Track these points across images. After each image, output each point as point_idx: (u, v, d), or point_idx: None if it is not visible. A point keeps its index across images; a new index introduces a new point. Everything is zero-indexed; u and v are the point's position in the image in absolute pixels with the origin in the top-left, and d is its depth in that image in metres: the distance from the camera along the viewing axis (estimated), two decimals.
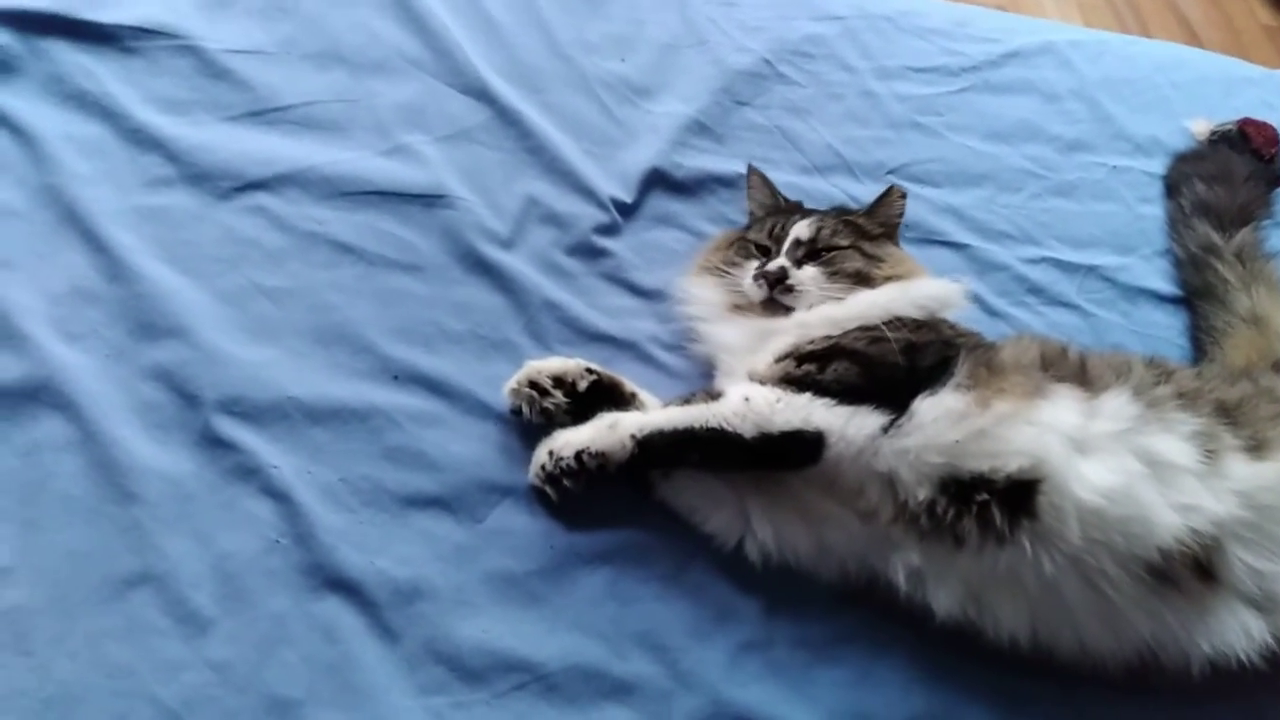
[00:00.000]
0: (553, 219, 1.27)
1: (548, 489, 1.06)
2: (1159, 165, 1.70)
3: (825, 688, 1.08)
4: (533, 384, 1.09)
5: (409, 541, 1.01)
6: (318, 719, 0.90)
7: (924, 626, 1.11)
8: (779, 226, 1.27)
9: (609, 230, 1.29)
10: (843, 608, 1.13)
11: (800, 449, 1.07)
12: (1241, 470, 1.13)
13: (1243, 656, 1.09)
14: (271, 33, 1.28)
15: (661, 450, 1.08)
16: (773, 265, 1.21)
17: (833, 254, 1.25)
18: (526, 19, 1.43)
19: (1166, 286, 1.57)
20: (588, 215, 1.29)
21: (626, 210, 1.32)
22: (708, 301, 1.24)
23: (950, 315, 1.23)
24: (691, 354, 1.24)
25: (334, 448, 1.04)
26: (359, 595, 0.97)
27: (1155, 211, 1.65)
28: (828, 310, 1.18)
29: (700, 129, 1.43)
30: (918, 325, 1.16)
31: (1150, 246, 1.62)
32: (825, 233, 1.27)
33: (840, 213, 1.33)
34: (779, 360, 1.14)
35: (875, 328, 1.16)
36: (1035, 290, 1.49)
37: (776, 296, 1.20)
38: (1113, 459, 1.08)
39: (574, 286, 1.23)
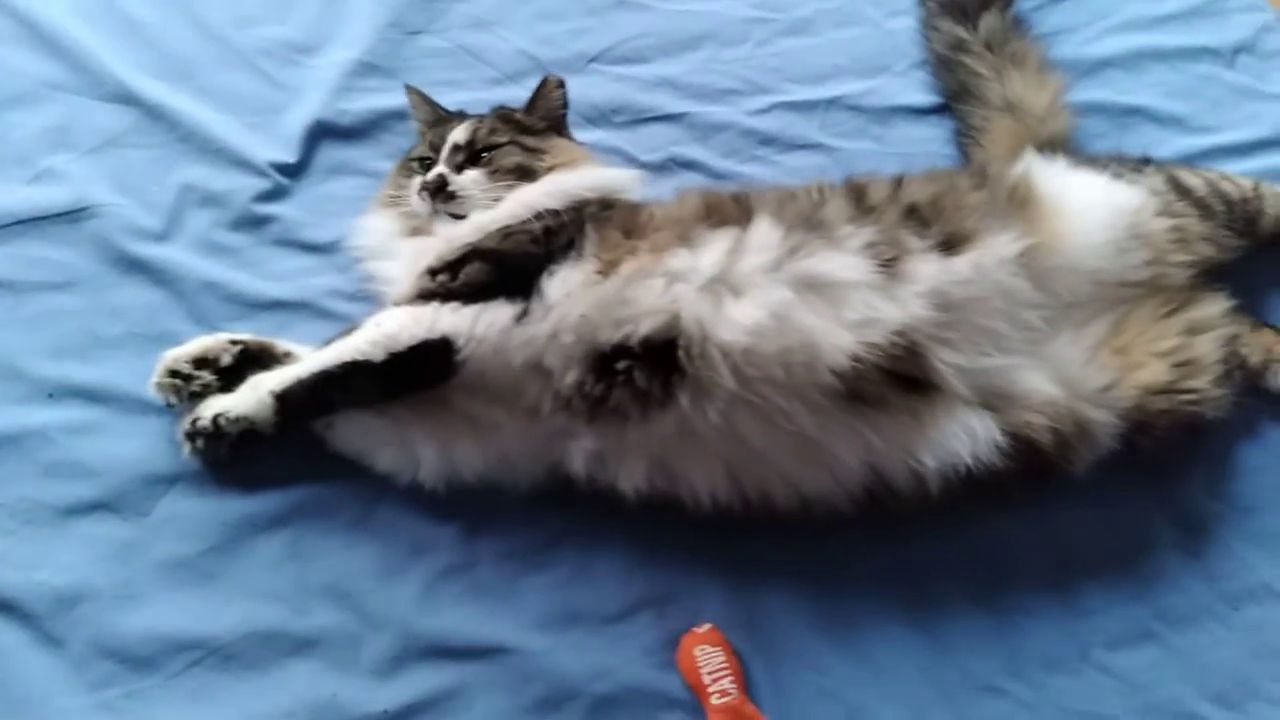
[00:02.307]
0: (211, 200, 1.29)
1: (185, 445, 1.09)
2: None
3: (533, 595, 1.08)
4: (173, 373, 1.11)
5: (71, 550, 1.05)
6: None
7: (646, 513, 1.09)
8: (439, 137, 1.27)
9: (272, 195, 1.31)
10: (551, 512, 1.12)
11: (431, 361, 1.07)
12: (929, 270, 1.09)
13: (969, 460, 1.05)
14: None
15: (305, 400, 1.08)
16: (431, 175, 1.20)
17: (492, 153, 1.24)
18: (173, 10, 1.45)
19: (924, 98, 1.51)
20: (246, 187, 1.30)
21: (293, 170, 1.33)
22: (380, 233, 1.24)
23: (626, 197, 1.21)
24: (372, 297, 1.23)
25: None
26: (17, 611, 1.01)
27: (909, 24, 1.58)
28: (476, 218, 1.17)
29: (368, 69, 1.43)
30: (557, 212, 1.14)
31: (905, 60, 1.55)
32: (482, 133, 1.26)
33: (500, 111, 1.31)
34: (419, 277, 1.13)
35: (516, 224, 1.14)
36: (768, 141, 1.45)
37: (439, 206, 1.19)
38: (761, 293, 1.06)
39: (239, 260, 1.25)
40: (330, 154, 1.35)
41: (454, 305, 1.07)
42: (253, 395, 1.08)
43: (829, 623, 1.09)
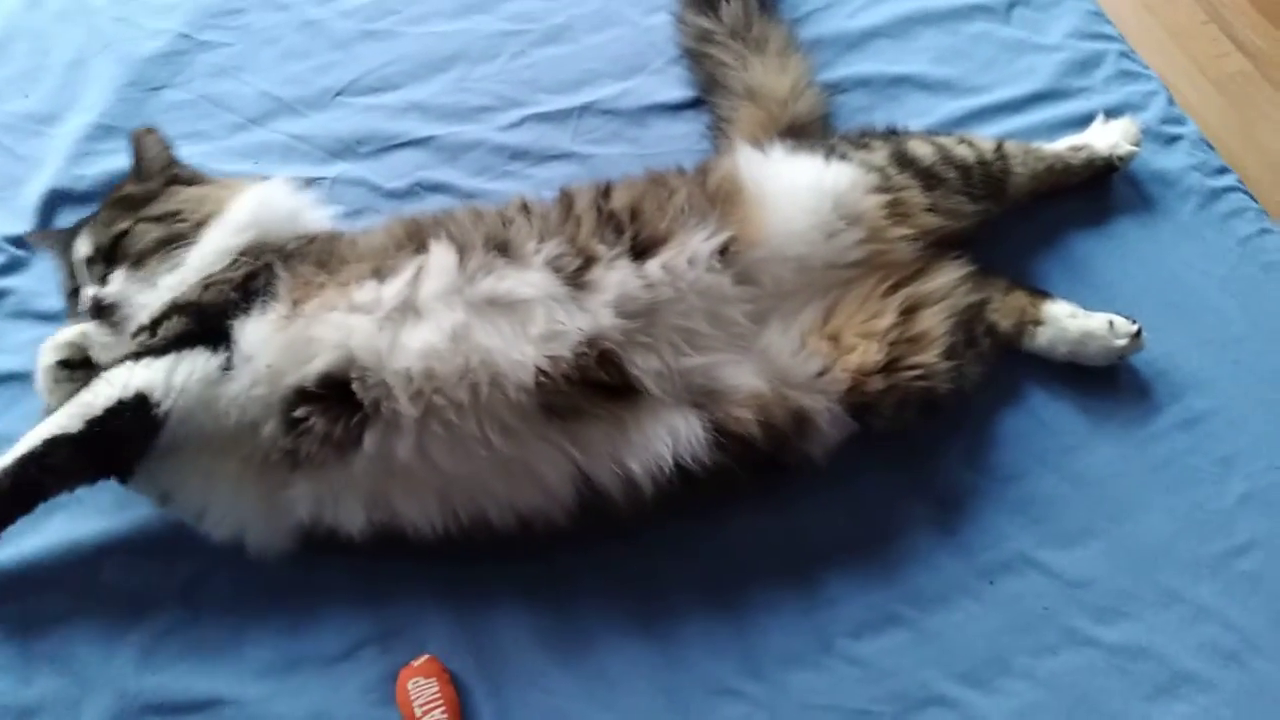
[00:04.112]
0: None
1: None
2: None
3: (255, 645, 1.13)
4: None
5: None
6: None
7: (371, 550, 1.13)
8: (70, 261, 1.26)
9: (7, 269, 1.38)
10: (276, 561, 1.15)
11: (130, 420, 1.07)
12: (616, 277, 1.13)
13: (671, 461, 1.09)
14: None
15: (12, 488, 1.07)
16: (84, 303, 1.19)
17: (121, 244, 1.22)
18: None
19: (679, 94, 1.58)
20: None
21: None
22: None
23: (310, 220, 1.25)
24: None
25: None
26: None
27: (667, 19, 1.63)
28: (167, 279, 1.18)
29: (106, 132, 1.50)
30: (259, 250, 1.18)
31: (662, 57, 1.62)
32: (101, 232, 1.24)
33: (113, 196, 1.29)
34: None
35: (216, 273, 1.17)
36: (519, 155, 1.51)
37: (115, 325, 1.18)
38: (436, 318, 1.10)
39: None
40: (67, 221, 1.40)
41: (147, 360, 1.09)
42: None
43: (556, 640, 1.13)
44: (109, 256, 1.21)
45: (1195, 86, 1.88)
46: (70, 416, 1.08)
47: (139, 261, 1.19)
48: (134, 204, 1.25)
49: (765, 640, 1.14)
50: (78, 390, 1.11)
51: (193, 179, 1.30)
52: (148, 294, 1.17)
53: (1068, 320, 1.29)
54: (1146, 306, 1.34)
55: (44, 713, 1.08)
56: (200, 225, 1.21)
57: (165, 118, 1.51)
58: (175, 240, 1.19)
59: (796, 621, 1.15)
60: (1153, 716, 1.09)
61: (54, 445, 1.08)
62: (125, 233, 1.21)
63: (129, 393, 1.08)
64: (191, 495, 1.13)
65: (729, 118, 1.46)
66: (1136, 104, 1.55)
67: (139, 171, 1.29)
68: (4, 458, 1.09)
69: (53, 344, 1.15)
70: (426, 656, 1.10)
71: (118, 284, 1.18)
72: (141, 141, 1.30)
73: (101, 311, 1.17)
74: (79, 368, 1.13)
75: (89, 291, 1.19)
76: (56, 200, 1.43)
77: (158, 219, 1.22)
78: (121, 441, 1.09)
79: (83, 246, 1.23)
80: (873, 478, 1.23)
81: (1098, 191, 1.46)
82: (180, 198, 1.25)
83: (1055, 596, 1.16)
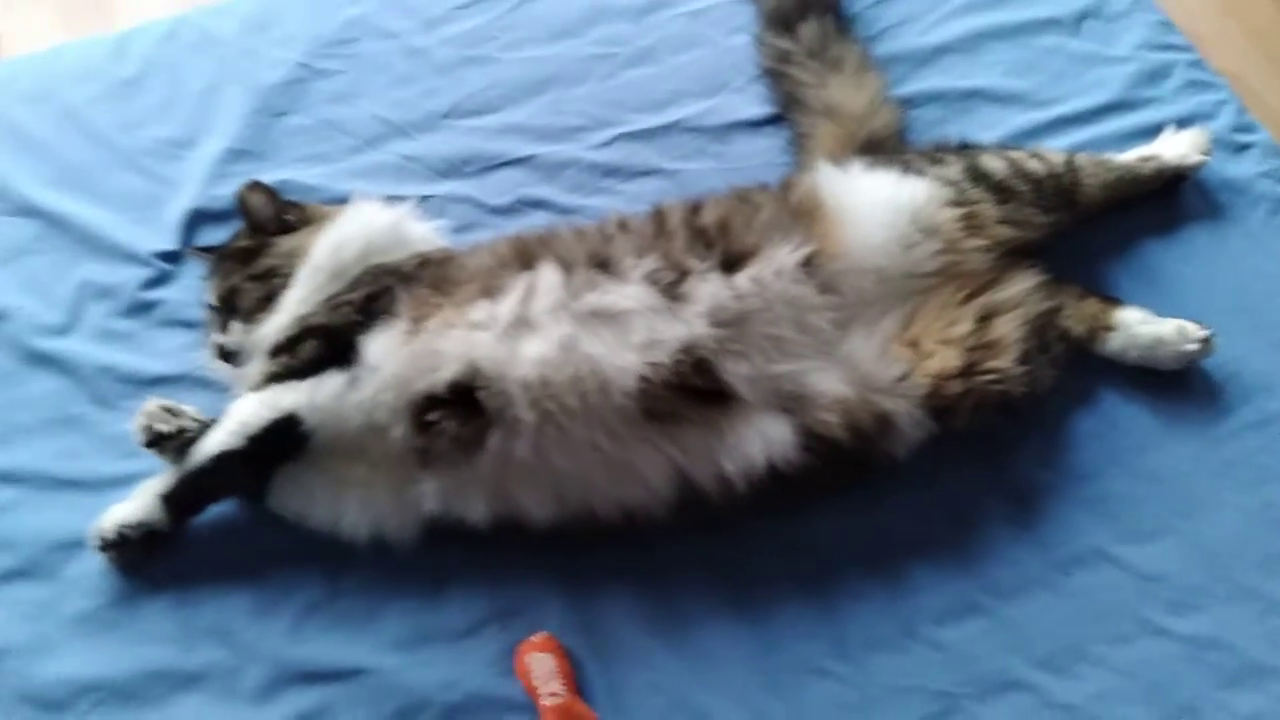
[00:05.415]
0: (105, 292, 1.52)
1: (107, 555, 1.27)
2: None
3: (390, 620, 1.27)
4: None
5: None
6: None
7: (491, 537, 1.26)
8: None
9: (158, 282, 1.53)
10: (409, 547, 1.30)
11: (284, 436, 1.24)
12: (709, 288, 1.23)
13: (764, 463, 1.20)
14: None
15: (189, 496, 1.27)
16: (214, 345, 1.39)
17: (234, 299, 1.38)
18: (66, 125, 1.68)
19: (761, 110, 1.67)
20: (134, 277, 1.53)
21: (175, 257, 1.55)
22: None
23: (416, 236, 1.39)
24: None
25: None
26: None
27: (747, 40, 1.73)
28: (272, 323, 1.33)
29: (238, 155, 1.64)
30: (375, 274, 1.32)
31: (744, 76, 1.71)
32: (219, 284, 1.41)
33: (230, 247, 1.44)
34: (264, 360, 1.33)
35: (335, 295, 1.33)
36: (611, 172, 1.62)
37: (238, 366, 1.35)
38: (546, 331, 1.22)
39: (131, 344, 1.48)
40: (207, 237, 1.56)
41: (292, 383, 1.26)
42: (144, 500, 1.27)
43: (660, 622, 1.25)
44: (228, 307, 1.39)
45: (1274, 90, 1.89)
46: (232, 434, 1.26)
47: (248, 318, 1.37)
48: (243, 258, 1.41)
49: (852, 625, 1.24)
50: (175, 455, 1.28)
51: (299, 220, 1.43)
52: (260, 339, 1.34)
53: (1139, 326, 1.36)
54: (1216, 311, 1.40)
55: (207, 678, 1.23)
56: (290, 280, 1.36)
57: (289, 142, 1.67)
58: (271, 299, 1.35)
59: (882, 608, 1.25)
60: (1226, 704, 1.16)
61: (222, 460, 1.26)
62: (236, 289, 1.38)
63: (280, 413, 1.25)
64: (324, 506, 1.28)
65: (809, 134, 1.56)
66: (1207, 113, 1.60)
67: (250, 226, 1.44)
68: (177, 470, 1.28)
69: (134, 431, 1.29)
70: (544, 634, 1.23)
71: (235, 335, 1.36)
72: (246, 200, 1.45)
73: (226, 357, 1.36)
74: (162, 441, 1.28)
75: (215, 338, 1.39)
76: (197, 219, 1.58)
77: (259, 277, 1.38)
78: (276, 453, 1.26)
79: (209, 295, 1.41)
80: (952, 476, 1.32)
81: (1168, 200, 1.52)
82: (279, 251, 1.40)
83: (1130, 589, 1.25)
